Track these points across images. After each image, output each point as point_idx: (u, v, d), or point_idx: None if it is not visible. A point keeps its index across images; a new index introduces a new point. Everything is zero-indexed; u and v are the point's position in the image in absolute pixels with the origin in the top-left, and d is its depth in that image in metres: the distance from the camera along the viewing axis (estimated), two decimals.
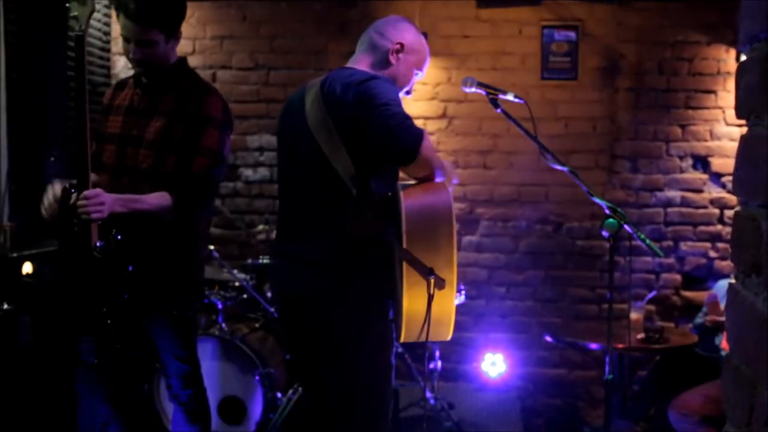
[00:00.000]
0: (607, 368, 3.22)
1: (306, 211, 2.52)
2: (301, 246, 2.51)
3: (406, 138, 2.29)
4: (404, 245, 2.29)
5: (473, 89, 2.90)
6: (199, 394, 3.06)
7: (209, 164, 2.84)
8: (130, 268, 2.70)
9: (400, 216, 2.32)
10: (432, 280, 2.27)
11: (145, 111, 2.88)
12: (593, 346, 4.13)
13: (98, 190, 2.64)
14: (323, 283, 2.47)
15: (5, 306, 2.99)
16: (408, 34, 2.64)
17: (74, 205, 2.64)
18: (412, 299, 2.30)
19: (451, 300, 2.34)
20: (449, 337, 2.42)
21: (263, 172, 5.43)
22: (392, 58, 2.61)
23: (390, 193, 2.46)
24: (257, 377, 4.00)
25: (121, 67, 5.39)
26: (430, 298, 2.28)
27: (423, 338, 2.34)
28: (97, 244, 2.64)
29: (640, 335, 4.12)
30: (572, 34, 5.18)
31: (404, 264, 2.28)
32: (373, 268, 2.44)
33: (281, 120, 2.70)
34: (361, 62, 2.63)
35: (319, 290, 2.48)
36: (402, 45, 2.61)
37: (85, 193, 2.62)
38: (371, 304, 2.48)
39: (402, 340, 2.39)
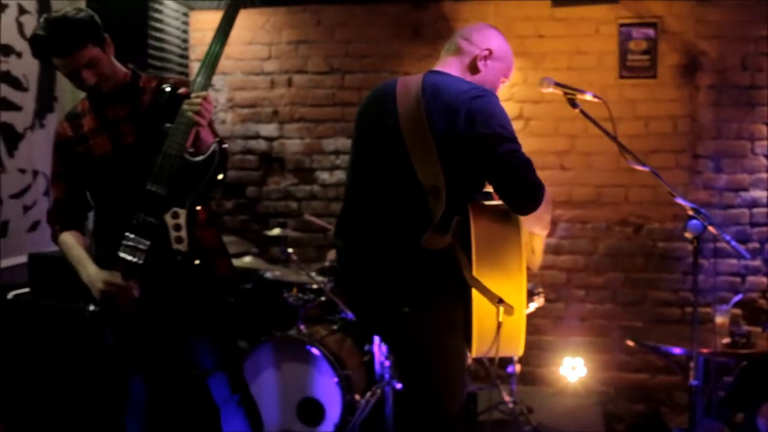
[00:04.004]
0: (691, 373, 3.15)
1: (377, 212, 2.52)
2: (371, 250, 2.52)
3: (531, 197, 2.33)
4: (473, 271, 2.31)
5: (551, 89, 2.88)
6: None
7: None
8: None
9: (470, 240, 2.33)
10: (501, 308, 2.29)
11: (131, 117, 2.80)
12: (677, 350, 4.03)
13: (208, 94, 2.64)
14: (391, 286, 2.48)
15: (91, 307, 3.05)
16: (495, 41, 2.65)
17: (180, 97, 2.61)
18: (482, 320, 2.35)
19: (520, 319, 2.38)
20: (521, 353, 2.46)
21: (339, 175, 5.46)
22: (480, 65, 2.61)
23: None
24: (336, 379, 4.03)
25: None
26: (499, 325, 2.33)
27: (492, 354, 2.39)
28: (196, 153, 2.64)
29: (726, 340, 4.00)
30: (651, 32, 5.07)
31: (473, 290, 2.33)
32: (445, 275, 2.43)
33: (363, 111, 2.67)
34: (451, 66, 2.63)
35: (387, 294, 2.49)
36: (490, 51, 2.62)
37: (203, 93, 2.61)
38: (443, 302, 2.47)
39: (473, 355, 2.43)
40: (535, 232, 2.54)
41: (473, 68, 2.62)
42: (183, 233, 2.62)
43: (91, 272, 2.72)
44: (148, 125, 2.72)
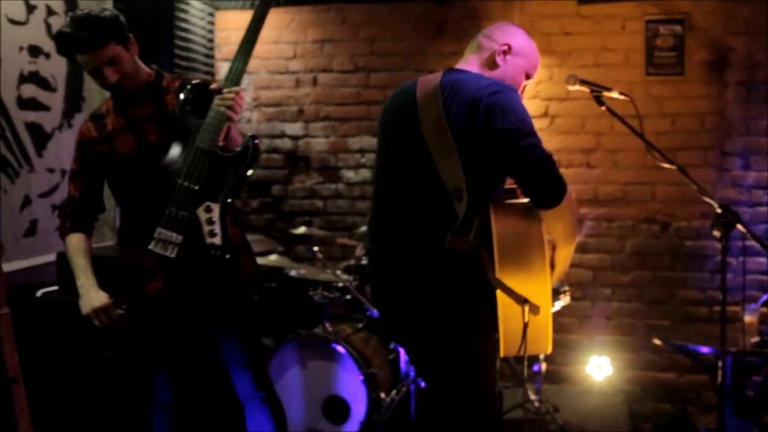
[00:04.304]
0: (720, 373, 3.12)
1: (400, 214, 2.51)
2: (393, 251, 2.52)
3: (553, 189, 2.33)
4: (497, 272, 2.30)
5: (577, 87, 2.87)
6: None
7: None
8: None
9: (492, 240, 2.33)
10: (526, 308, 2.28)
11: (155, 116, 2.83)
12: (704, 349, 4.00)
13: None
14: (416, 291, 2.48)
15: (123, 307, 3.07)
16: (516, 38, 2.63)
17: (211, 93, 2.65)
18: (508, 321, 2.35)
19: (547, 318, 2.37)
20: (549, 350, 2.45)
21: (364, 173, 5.47)
22: (499, 60, 2.59)
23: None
24: (361, 377, 4.03)
25: (225, 73, 5.51)
26: (525, 325, 2.32)
27: (522, 353, 2.38)
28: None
29: (755, 339, 3.96)
30: (678, 28, 5.03)
31: (498, 291, 2.32)
32: (469, 276, 2.42)
33: (384, 114, 2.67)
34: (470, 64, 2.63)
35: (412, 298, 2.49)
36: (509, 47, 2.59)
37: (236, 88, 2.65)
38: (468, 301, 2.46)
39: (502, 354, 2.43)
40: (559, 234, 2.48)
41: (491, 64, 2.60)
42: (216, 227, 2.65)
43: (92, 290, 2.78)
44: (174, 122, 2.74)
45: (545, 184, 2.32)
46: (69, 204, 2.92)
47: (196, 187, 2.63)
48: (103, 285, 2.82)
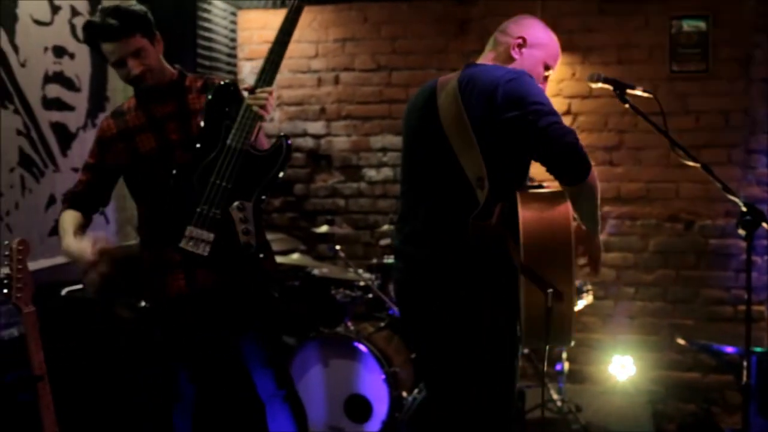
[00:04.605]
0: (744, 373, 3.10)
1: (425, 211, 2.52)
2: (418, 247, 2.52)
3: (581, 162, 2.29)
4: (522, 259, 2.29)
5: (600, 84, 2.85)
6: None
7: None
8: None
9: (518, 228, 2.31)
10: (550, 295, 2.26)
11: (177, 114, 2.85)
12: (729, 349, 3.97)
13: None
14: (439, 287, 2.47)
15: (143, 303, 3.08)
16: (532, 30, 2.62)
17: (249, 90, 2.68)
18: (531, 308, 2.31)
19: (570, 308, 2.34)
20: (571, 343, 2.43)
21: (386, 172, 5.47)
22: (514, 53, 2.58)
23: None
24: (383, 376, 4.03)
25: (248, 72, 5.55)
26: (548, 311, 2.28)
27: (542, 345, 2.36)
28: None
29: None
30: (702, 24, 4.99)
31: (522, 277, 2.30)
32: (492, 270, 2.42)
33: (407, 115, 2.68)
34: (486, 59, 2.63)
35: (435, 294, 2.49)
36: (524, 39, 2.58)
37: (269, 88, 2.67)
38: (490, 304, 2.45)
39: (523, 345, 2.42)
40: (587, 214, 2.46)
41: (507, 58, 2.59)
42: (250, 226, 2.66)
43: (69, 240, 2.76)
44: (202, 121, 2.76)
45: (572, 158, 2.30)
46: (72, 191, 2.97)
47: (229, 186, 2.65)
48: (129, 283, 2.83)
